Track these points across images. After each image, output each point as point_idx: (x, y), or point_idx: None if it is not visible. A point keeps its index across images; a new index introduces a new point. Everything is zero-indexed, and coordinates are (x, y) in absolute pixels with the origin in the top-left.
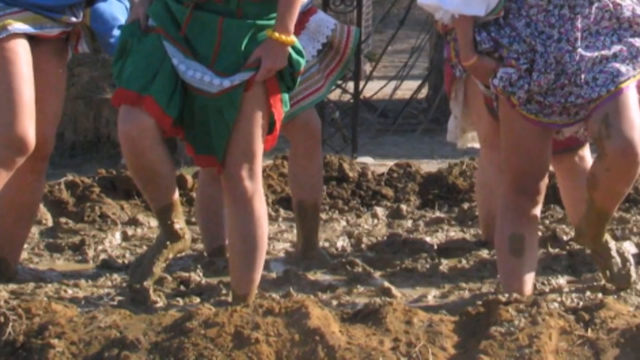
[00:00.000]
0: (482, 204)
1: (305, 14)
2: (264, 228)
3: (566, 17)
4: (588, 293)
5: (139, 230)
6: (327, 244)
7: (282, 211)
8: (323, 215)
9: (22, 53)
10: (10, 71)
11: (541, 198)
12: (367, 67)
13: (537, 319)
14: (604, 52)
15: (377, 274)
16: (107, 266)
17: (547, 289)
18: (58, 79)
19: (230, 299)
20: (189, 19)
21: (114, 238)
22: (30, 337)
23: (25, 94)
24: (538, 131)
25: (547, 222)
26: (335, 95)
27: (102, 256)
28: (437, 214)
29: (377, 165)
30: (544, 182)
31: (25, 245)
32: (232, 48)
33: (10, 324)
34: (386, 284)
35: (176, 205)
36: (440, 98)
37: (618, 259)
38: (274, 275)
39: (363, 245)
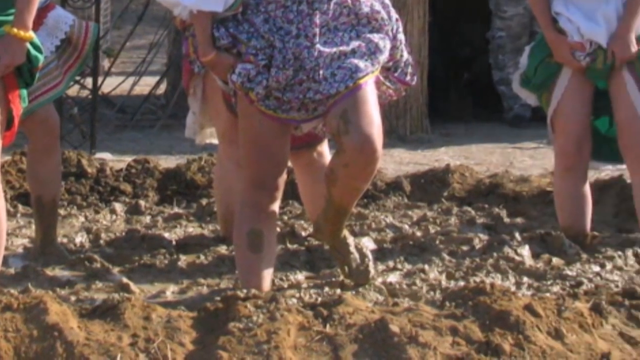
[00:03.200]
0: (221, 199)
1: (44, 9)
2: (2, 224)
3: (304, 13)
4: (326, 289)
5: None
6: (65, 240)
7: (20, 207)
8: (61, 211)
9: None
10: None
11: (279, 194)
12: (105, 63)
13: (276, 315)
14: (343, 48)
15: (115, 270)
16: None
17: (285, 285)
18: None
19: None
20: None
21: None
22: None
23: None
24: (277, 127)
25: (285, 217)
26: (73, 91)
27: None
28: (176, 209)
29: (115, 161)
30: (283, 178)
31: None
32: None
33: None
34: (125, 279)
35: None
36: (178, 94)
37: (356, 255)
38: (12, 271)
39: (101, 241)
